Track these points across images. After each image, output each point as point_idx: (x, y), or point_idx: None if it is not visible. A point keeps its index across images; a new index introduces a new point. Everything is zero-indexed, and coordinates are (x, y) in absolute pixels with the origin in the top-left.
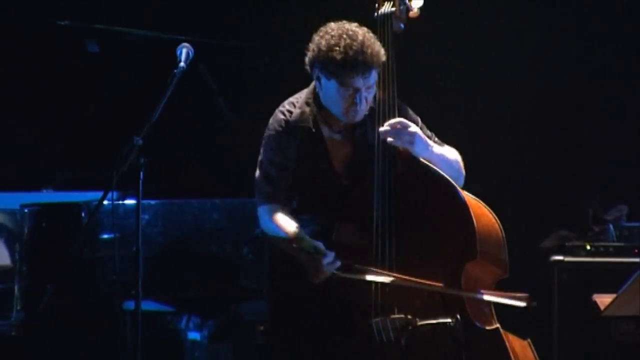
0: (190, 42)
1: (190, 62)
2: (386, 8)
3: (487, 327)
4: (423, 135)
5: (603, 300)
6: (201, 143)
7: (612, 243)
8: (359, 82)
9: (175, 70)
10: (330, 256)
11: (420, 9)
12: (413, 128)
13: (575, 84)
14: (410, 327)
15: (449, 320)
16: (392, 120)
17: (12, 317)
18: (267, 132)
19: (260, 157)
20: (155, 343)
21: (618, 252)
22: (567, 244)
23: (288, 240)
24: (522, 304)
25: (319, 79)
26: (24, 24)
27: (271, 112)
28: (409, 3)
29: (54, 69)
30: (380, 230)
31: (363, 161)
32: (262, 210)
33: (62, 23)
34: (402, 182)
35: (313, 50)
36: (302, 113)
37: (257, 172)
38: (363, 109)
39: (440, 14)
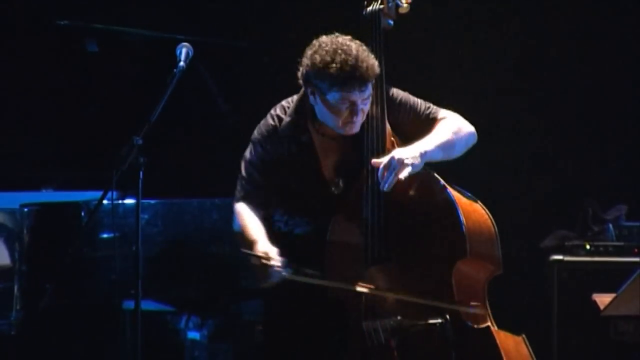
0: (190, 42)
1: (190, 62)
2: (374, 5)
3: (477, 326)
4: (414, 148)
5: (603, 299)
6: (201, 142)
7: (611, 242)
8: (356, 95)
9: (175, 70)
10: (280, 262)
11: (410, 4)
12: (402, 158)
13: (575, 83)
14: (400, 329)
15: (438, 320)
16: (381, 165)
17: (11, 317)
18: (255, 135)
19: (245, 156)
20: (155, 343)
21: (617, 252)
22: (566, 243)
23: (242, 241)
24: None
25: (313, 94)
26: (24, 24)
27: (269, 111)
28: (397, 1)
29: (54, 69)
30: (371, 231)
31: (353, 164)
32: (235, 207)
33: (62, 23)
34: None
35: (307, 66)
36: (291, 122)
37: (240, 170)
38: (359, 120)
39: (435, 8)
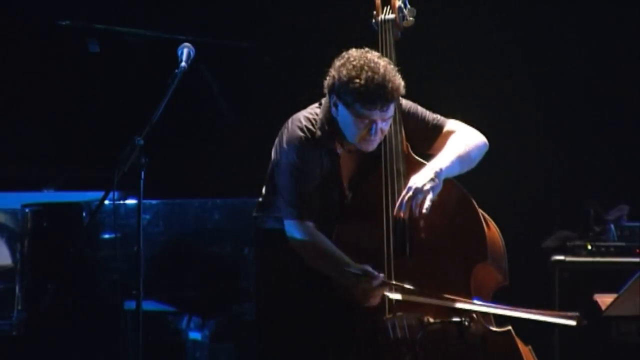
0: (192, 42)
1: (192, 62)
2: (387, 15)
3: (500, 329)
4: (429, 170)
5: (604, 300)
6: (202, 143)
7: (613, 243)
8: (377, 114)
9: (176, 70)
10: (380, 278)
11: (415, 18)
12: (421, 186)
13: (576, 83)
14: (424, 325)
15: (464, 319)
16: (402, 196)
17: (13, 317)
18: (289, 150)
19: (285, 175)
20: (156, 343)
21: (619, 252)
22: (568, 243)
23: (334, 266)
24: (572, 322)
25: (335, 105)
26: (24, 24)
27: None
28: (405, 11)
29: (55, 69)
30: (393, 234)
31: (366, 175)
32: (294, 226)
33: (63, 23)
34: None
35: (333, 77)
36: (325, 134)
37: (284, 190)
38: (378, 139)
39: (440, 16)
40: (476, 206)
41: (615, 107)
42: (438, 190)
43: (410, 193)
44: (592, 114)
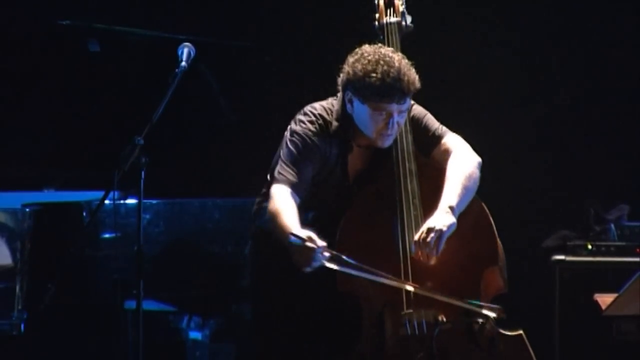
0: (192, 42)
1: (192, 62)
2: (391, 18)
3: (511, 333)
4: (443, 210)
5: (604, 299)
6: (202, 142)
7: (613, 242)
8: (393, 107)
9: (176, 70)
10: (323, 246)
11: (412, 24)
12: (440, 228)
13: (576, 83)
14: (439, 323)
15: (479, 319)
16: (421, 241)
17: (13, 317)
18: (302, 130)
19: (286, 149)
20: (157, 343)
21: (619, 252)
22: (568, 243)
23: (282, 227)
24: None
25: (351, 102)
26: (24, 24)
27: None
28: (406, 16)
29: (56, 69)
30: (408, 233)
31: (373, 169)
32: (274, 188)
33: (63, 22)
34: (427, 196)
35: (348, 73)
36: (341, 126)
37: (282, 162)
38: (394, 133)
39: (440, 16)
40: (488, 213)
41: (615, 107)
42: (453, 228)
43: (424, 235)
44: (592, 114)
